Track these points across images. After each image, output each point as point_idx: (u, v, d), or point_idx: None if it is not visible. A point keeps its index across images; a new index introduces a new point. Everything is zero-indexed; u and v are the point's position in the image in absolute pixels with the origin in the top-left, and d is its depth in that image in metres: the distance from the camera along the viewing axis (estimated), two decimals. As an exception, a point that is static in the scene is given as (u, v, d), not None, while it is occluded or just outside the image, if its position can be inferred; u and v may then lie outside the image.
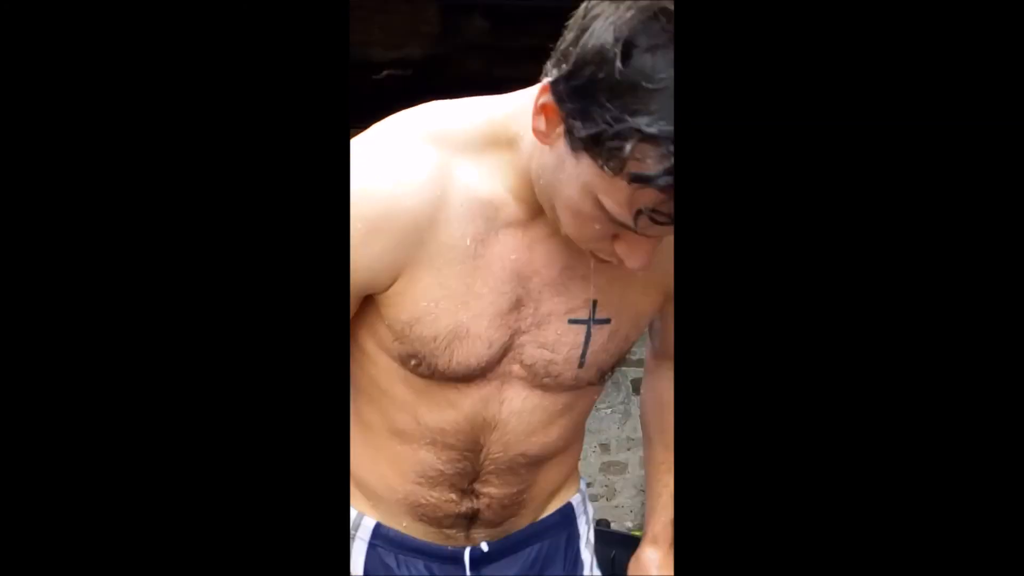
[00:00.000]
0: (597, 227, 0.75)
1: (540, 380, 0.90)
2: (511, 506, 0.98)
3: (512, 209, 0.82)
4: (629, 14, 0.66)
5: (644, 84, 0.65)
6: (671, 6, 0.66)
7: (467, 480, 0.94)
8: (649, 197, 0.68)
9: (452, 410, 0.89)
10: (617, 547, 1.46)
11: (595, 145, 0.68)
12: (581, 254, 0.83)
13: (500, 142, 0.81)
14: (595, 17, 0.68)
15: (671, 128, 0.65)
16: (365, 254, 0.79)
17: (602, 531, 1.50)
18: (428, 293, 0.82)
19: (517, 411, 0.91)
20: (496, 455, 0.93)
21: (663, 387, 1.09)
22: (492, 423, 0.91)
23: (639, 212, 0.70)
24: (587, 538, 1.09)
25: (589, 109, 0.68)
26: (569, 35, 0.71)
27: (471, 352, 0.85)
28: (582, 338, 0.88)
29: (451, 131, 0.81)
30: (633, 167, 0.67)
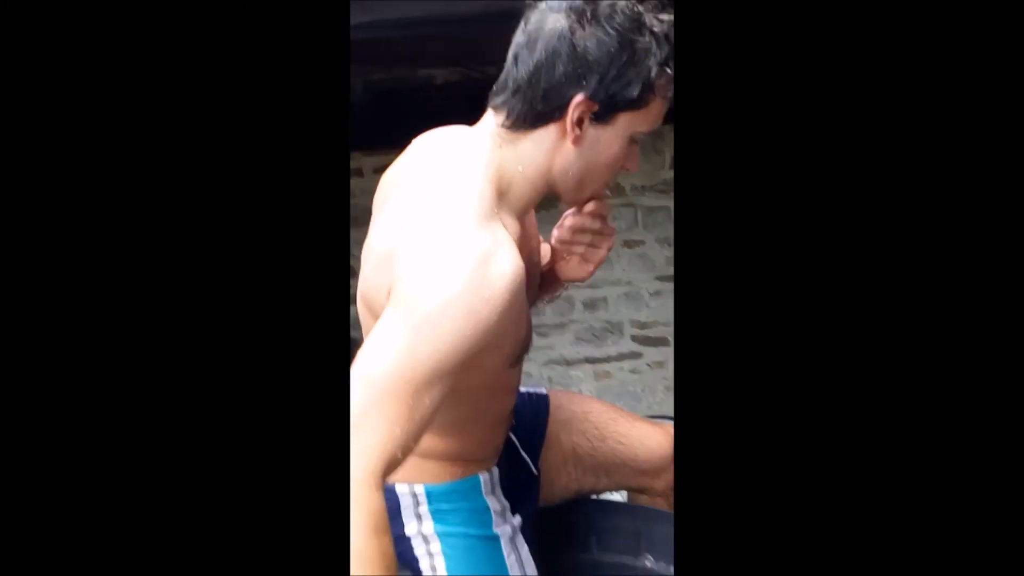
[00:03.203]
0: (621, 158, 0.96)
1: None
2: None
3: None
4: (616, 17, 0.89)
5: (644, 33, 0.89)
6: None
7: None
8: (669, 83, 0.91)
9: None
10: (645, 522, 1.35)
11: (643, 95, 0.91)
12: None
13: (502, 184, 0.97)
14: (592, 37, 0.90)
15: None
16: (511, 318, 0.91)
17: (628, 505, 1.42)
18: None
19: None
20: None
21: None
22: None
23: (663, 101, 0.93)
24: None
25: (627, 84, 0.90)
26: (562, 66, 0.90)
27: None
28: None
29: (481, 202, 0.94)
30: (658, 80, 0.90)
